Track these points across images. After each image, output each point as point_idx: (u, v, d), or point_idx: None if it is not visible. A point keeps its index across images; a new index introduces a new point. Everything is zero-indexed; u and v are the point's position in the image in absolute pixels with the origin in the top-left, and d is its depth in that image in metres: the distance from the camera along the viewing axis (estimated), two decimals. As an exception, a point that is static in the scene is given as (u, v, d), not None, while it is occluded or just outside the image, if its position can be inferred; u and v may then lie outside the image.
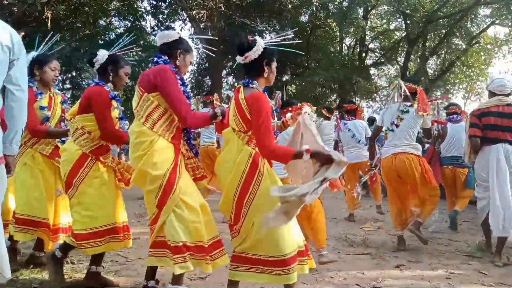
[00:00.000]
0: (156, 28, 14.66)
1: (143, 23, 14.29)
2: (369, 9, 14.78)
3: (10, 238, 2.96)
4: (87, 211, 2.52)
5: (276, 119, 3.34)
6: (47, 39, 3.03)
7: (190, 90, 2.39)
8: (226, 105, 2.97)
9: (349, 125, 5.70)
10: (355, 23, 13.70)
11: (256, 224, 2.17)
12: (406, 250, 3.93)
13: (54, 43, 3.03)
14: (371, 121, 8.17)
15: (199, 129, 5.69)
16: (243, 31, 12.68)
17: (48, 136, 2.88)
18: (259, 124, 2.11)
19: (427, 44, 14.87)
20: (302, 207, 2.12)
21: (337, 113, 6.44)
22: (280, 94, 3.99)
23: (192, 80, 16.47)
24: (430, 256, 3.74)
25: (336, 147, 6.32)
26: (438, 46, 14.66)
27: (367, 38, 16.69)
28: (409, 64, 15.52)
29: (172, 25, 14.48)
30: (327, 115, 6.29)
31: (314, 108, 3.63)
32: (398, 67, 16.94)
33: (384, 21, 16.16)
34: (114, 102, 2.64)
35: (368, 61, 17.61)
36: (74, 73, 12.93)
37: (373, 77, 18.37)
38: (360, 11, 14.39)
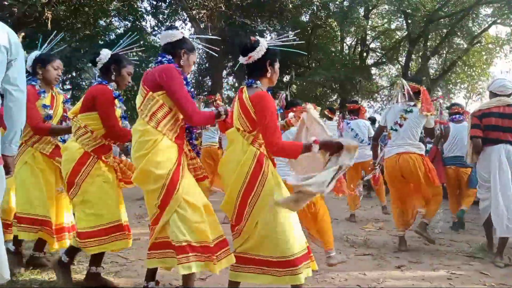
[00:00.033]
0: (156, 28, 14.68)
1: (143, 23, 14.31)
2: (370, 8, 14.77)
3: (15, 242, 2.95)
4: (92, 209, 2.51)
5: (279, 119, 3.34)
6: (50, 38, 3.03)
7: (193, 90, 2.38)
8: (227, 106, 2.98)
9: (352, 124, 5.69)
10: (356, 23, 13.67)
11: (259, 224, 2.16)
12: (407, 251, 3.91)
13: (54, 43, 3.02)
14: (372, 121, 8.16)
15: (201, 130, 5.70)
16: (244, 31, 12.69)
17: (51, 133, 2.88)
18: (266, 123, 2.12)
19: (428, 43, 14.85)
20: (309, 201, 2.16)
21: (338, 113, 6.45)
22: (284, 95, 3.98)
23: (193, 80, 16.47)
24: (431, 257, 3.73)
25: None
26: (440, 45, 14.64)
27: (368, 37, 16.68)
28: (410, 64, 15.49)
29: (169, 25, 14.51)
30: (330, 115, 6.28)
31: (319, 108, 3.63)
32: (399, 66, 16.92)
33: (385, 20, 16.13)
34: (116, 101, 2.65)
35: (369, 61, 17.60)
36: (74, 74, 12.95)
37: (374, 77, 18.35)
38: (361, 11, 14.37)
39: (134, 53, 2.75)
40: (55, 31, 3.20)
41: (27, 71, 2.97)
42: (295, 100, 3.81)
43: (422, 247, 4.11)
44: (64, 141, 2.98)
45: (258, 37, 2.33)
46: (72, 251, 2.59)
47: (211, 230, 2.19)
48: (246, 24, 12.61)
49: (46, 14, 8.08)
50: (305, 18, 15.27)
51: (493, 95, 3.74)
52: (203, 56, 15.78)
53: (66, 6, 9.79)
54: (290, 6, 13.33)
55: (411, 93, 3.91)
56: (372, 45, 17.54)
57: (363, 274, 3.18)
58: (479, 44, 14.80)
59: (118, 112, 2.68)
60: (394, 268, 3.39)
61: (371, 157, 5.03)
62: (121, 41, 2.73)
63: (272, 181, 2.19)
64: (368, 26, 15.57)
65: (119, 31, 14.43)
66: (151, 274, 2.46)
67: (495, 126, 3.60)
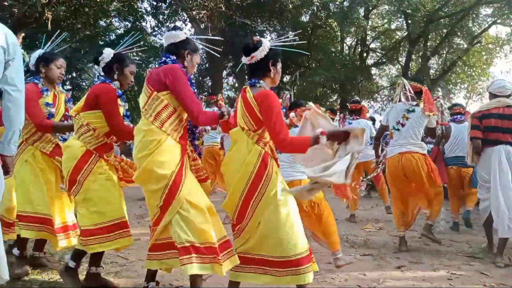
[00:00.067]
0: (156, 29, 14.69)
1: (144, 23, 14.31)
2: (370, 8, 14.77)
3: (20, 246, 2.93)
4: (94, 207, 2.50)
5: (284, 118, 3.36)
6: (53, 37, 3.04)
7: (196, 90, 2.38)
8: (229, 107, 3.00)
9: (354, 124, 5.69)
10: (356, 23, 13.68)
11: (262, 223, 2.16)
12: (407, 251, 3.91)
13: (58, 42, 3.03)
14: (372, 120, 8.16)
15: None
16: (244, 32, 12.70)
17: (55, 131, 2.89)
18: (273, 121, 2.13)
19: (428, 43, 14.85)
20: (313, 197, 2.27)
21: (339, 113, 6.46)
22: (289, 95, 3.99)
23: (193, 81, 16.46)
24: (432, 257, 3.73)
25: None
26: (440, 45, 14.65)
27: (368, 38, 16.68)
28: (410, 64, 15.49)
29: (172, 25, 14.51)
30: (331, 116, 6.27)
31: (323, 109, 3.65)
32: (400, 67, 16.93)
33: (385, 20, 16.14)
34: (119, 100, 2.65)
35: (369, 61, 17.61)
36: (74, 74, 12.96)
37: (374, 77, 18.35)
38: (361, 11, 14.38)
39: (135, 53, 2.75)
40: (58, 30, 3.21)
41: (30, 70, 2.99)
42: (298, 101, 3.82)
43: (422, 248, 4.11)
44: (65, 140, 2.98)
45: (260, 38, 2.34)
46: (77, 255, 2.57)
47: (214, 231, 2.17)
48: (246, 25, 12.61)
49: (46, 14, 8.08)
50: (305, 18, 15.27)
51: (492, 96, 3.75)
52: (203, 57, 15.77)
53: (66, 7, 9.80)
54: (290, 6, 13.33)
55: (412, 93, 3.92)
56: (372, 45, 17.55)
57: (363, 274, 3.17)
58: (479, 44, 14.81)
59: (121, 110, 2.69)
60: (394, 268, 3.39)
61: (373, 157, 5.04)
62: (124, 41, 2.73)
63: (277, 181, 2.20)
64: (368, 26, 15.57)
65: (119, 32, 14.44)
66: (151, 275, 2.46)
67: (494, 127, 3.60)
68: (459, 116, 5.20)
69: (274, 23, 14.31)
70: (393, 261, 3.60)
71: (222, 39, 2.67)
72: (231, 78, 18.18)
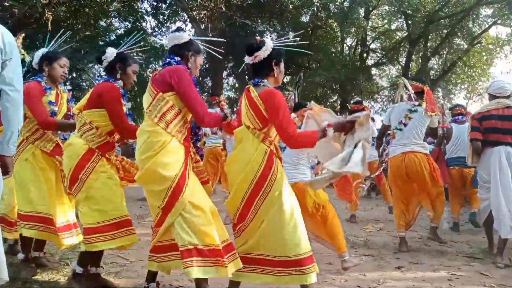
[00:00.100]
0: (156, 29, 14.68)
1: (144, 24, 14.31)
2: (370, 9, 14.76)
3: (24, 249, 2.92)
4: (96, 205, 2.49)
5: None
6: (57, 35, 3.04)
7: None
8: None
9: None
10: (356, 24, 13.67)
11: (265, 223, 2.17)
12: (407, 252, 3.91)
13: (48, 45, 3.03)
14: (372, 121, 8.16)
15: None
16: (244, 32, 12.69)
17: (58, 128, 2.89)
18: (280, 118, 2.14)
19: (428, 44, 14.85)
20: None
21: (339, 114, 6.46)
22: (294, 96, 3.99)
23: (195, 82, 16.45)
24: (432, 258, 3.73)
25: None
26: (440, 46, 14.64)
27: (368, 38, 16.68)
28: (410, 65, 15.48)
29: (173, 26, 14.51)
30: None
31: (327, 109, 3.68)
32: (400, 67, 16.92)
33: (386, 21, 16.14)
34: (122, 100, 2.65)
35: (370, 62, 17.59)
36: (74, 74, 12.96)
37: (374, 77, 18.35)
38: (361, 11, 14.37)
39: (135, 54, 2.75)
40: (56, 32, 3.21)
41: (30, 70, 2.99)
42: (303, 102, 3.85)
43: (422, 248, 4.11)
44: (65, 139, 2.98)
45: (263, 38, 2.36)
46: (83, 260, 2.56)
47: (217, 233, 2.16)
48: (246, 25, 12.60)
49: (46, 15, 8.08)
50: (305, 18, 15.26)
51: (492, 97, 3.77)
52: (203, 57, 15.75)
53: (67, 7, 9.80)
54: (291, 7, 13.31)
55: (413, 92, 3.93)
56: (373, 46, 17.54)
57: (363, 275, 3.17)
58: (479, 45, 14.80)
59: (123, 110, 2.68)
60: (394, 269, 3.39)
61: (376, 158, 5.06)
62: (127, 40, 2.74)
63: (281, 181, 2.20)
64: (369, 27, 15.57)
65: (119, 32, 14.44)
66: (152, 275, 2.47)
67: (494, 128, 3.62)
68: (460, 116, 5.22)
69: (274, 23, 14.29)
70: (393, 261, 3.60)
71: (225, 40, 2.66)
72: (231, 79, 18.18)
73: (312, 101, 2.91)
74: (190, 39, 2.40)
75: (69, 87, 13.38)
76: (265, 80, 2.29)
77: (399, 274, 3.27)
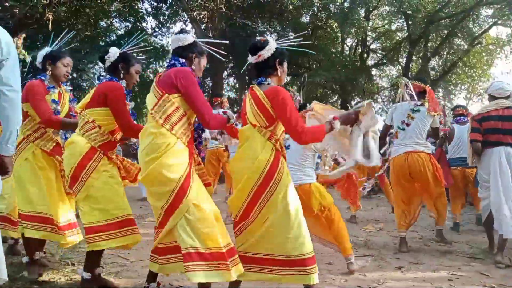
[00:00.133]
0: (157, 30, 14.68)
1: (144, 24, 14.31)
2: (371, 9, 14.76)
3: (27, 251, 2.91)
4: (97, 204, 2.49)
5: None
6: (62, 35, 3.04)
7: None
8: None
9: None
10: (357, 24, 13.66)
11: (269, 221, 2.17)
12: (407, 252, 3.91)
13: (52, 44, 3.03)
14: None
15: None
16: (244, 32, 12.70)
17: (62, 127, 2.89)
18: (288, 114, 2.15)
19: (429, 44, 14.85)
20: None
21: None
22: (299, 97, 3.99)
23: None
24: (432, 258, 3.73)
25: None
26: (440, 46, 14.64)
27: (368, 38, 16.67)
28: (411, 65, 15.48)
29: (173, 26, 14.52)
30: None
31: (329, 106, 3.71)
32: (400, 67, 16.91)
33: (386, 21, 16.13)
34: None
35: (370, 62, 17.58)
36: (74, 75, 12.95)
37: (374, 78, 18.35)
38: (362, 12, 14.36)
39: (135, 54, 2.74)
40: (56, 32, 3.21)
41: (33, 68, 2.99)
42: (307, 104, 3.85)
43: (422, 248, 4.11)
44: (66, 138, 2.98)
45: (266, 37, 2.38)
46: (89, 264, 2.54)
47: (221, 236, 2.14)
48: (246, 25, 12.60)
49: (47, 15, 8.08)
50: (305, 19, 15.25)
51: (491, 98, 3.79)
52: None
53: (67, 7, 9.80)
54: (291, 7, 13.31)
55: (413, 92, 3.95)
56: (373, 46, 17.53)
57: (363, 275, 3.17)
58: (479, 45, 14.80)
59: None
60: (394, 269, 3.39)
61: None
62: (129, 40, 2.74)
63: (287, 180, 2.21)
64: (369, 27, 15.56)
65: (120, 32, 14.44)
66: (152, 275, 2.46)
67: (494, 129, 3.64)
68: (462, 117, 5.24)
69: (274, 24, 14.30)
70: (393, 261, 3.60)
71: (227, 42, 2.65)
72: (231, 79, 18.18)
73: (314, 101, 2.93)
74: (194, 40, 2.40)
75: (69, 87, 13.34)
76: (268, 79, 2.30)
77: (399, 274, 3.27)
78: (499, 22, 13.54)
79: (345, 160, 3.33)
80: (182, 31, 2.43)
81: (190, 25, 13.20)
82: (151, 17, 14.29)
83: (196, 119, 2.36)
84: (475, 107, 17.66)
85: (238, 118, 4.40)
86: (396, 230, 4.20)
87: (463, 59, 14.84)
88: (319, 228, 3.26)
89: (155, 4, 14.03)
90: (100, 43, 12.84)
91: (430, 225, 5.28)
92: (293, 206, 2.18)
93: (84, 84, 12.72)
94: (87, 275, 2.52)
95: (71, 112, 3.07)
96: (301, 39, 2.41)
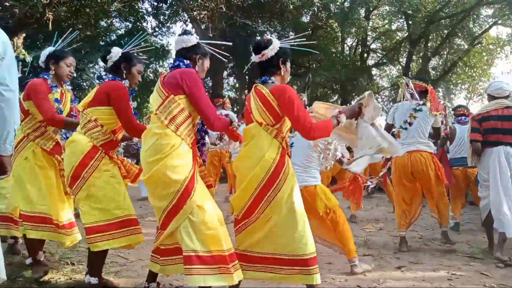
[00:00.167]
0: (157, 29, 14.68)
1: (144, 24, 14.31)
2: (371, 9, 14.75)
3: (30, 253, 2.90)
4: (97, 203, 2.47)
5: None
6: (65, 35, 3.04)
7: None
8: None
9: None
10: (357, 24, 13.66)
11: (273, 220, 2.16)
12: (407, 251, 3.91)
13: (55, 44, 3.03)
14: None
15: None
16: (244, 32, 12.69)
17: (65, 126, 2.89)
18: (296, 112, 2.16)
19: (429, 44, 14.83)
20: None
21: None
22: (305, 98, 4.00)
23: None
24: (432, 257, 3.73)
25: (349, 149, 6.34)
26: (440, 46, 14.62)
27: (368, 38, 16.65)
28: (411, 65, 15.47)
29: (173, 26, 14.51)
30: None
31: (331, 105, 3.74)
32: (400, 67, 16.90)
33: (386, 21, 16.11)
34: None
35: (370, 62, 17.57)
36: (74, 74, 12.96)
37: (375, 77, 18.33)
38: (362, 12, 14.35)
39: (136, 54, 2.75)
40: (70, 29, 3.21)
41: (39, 67, 3.00)
42: (307, 106, 3.86)
43: (422, 248, 4.11)
44: (67, 138, 2.98)
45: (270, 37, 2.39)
46: (95, 269, 2.53)
47: (224, 240, 2.13)
48: (247, 25, 12.59)
49: (47, 15, 8.08)
50: (306, 19, 15.24)
51: (491, 98, 3.82)
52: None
53: (67, 7, 9.80)
54: (291, 7, 13.30)
55: (414, 91, 3.95)
56: (373, 46, 17.51)
57: (363, 274, 3.17)
58: (479, 45, 14.78)
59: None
60: (394, 268, 3.39)
61: (379, 159, 5.09)
62: (131, 40, 2.73)
63: (293, 179, 2.22)
64: (369, 27, 15.54)
65: (120, 32, 14.44)
66: (152, 275, 2.46)
67: (494, 129, 3.66)
68: (463, 117, 5.26)
69: (274, 23, 14.29)
70: (393, 261, 3.60)
71: (231, 43, 2.65)
72: (231, 79, 18.18)
73: (316, 101, 2.94)
74: (198, 42, 2.40)
75: (69, 87, 13.34)
76: (272, 78, 2.31)
77: (399, 274, 3.27)
78: (499, 22, 13.53)
79: (343, 156, 3.32)
80: (185, 32, 2.43)
81: (190, 25, 13.20)
82: (151, 17, 14.31)
83: (199, 120, 2.36)
84: (475, 107, 17.65)
85: (241, 119, 4.39)
86: (396, 230, 4.20)
87: (463, 59, 14.82)
88: (323, 230, 3.24)
89: (155, 4, 14.04)
90: (100, 43, 12.85)
91: (430, 225, 5.29)
92: (298, 206, 2.19)
93: (84, 84, 12.73)
94: (94, 280, 2.49)
95: (72, 112, 3.07)
96: (305, 39, 2.42)
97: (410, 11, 12.85)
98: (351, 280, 3.03)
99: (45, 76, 2.89)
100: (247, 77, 14.97)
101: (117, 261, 3.37)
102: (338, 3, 14.05)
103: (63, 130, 3.11)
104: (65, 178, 2.64)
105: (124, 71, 2.64)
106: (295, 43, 2.40)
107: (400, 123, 4.00)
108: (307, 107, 3.59)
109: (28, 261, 2.89)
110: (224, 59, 2.64)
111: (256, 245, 2.23)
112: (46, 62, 2.92)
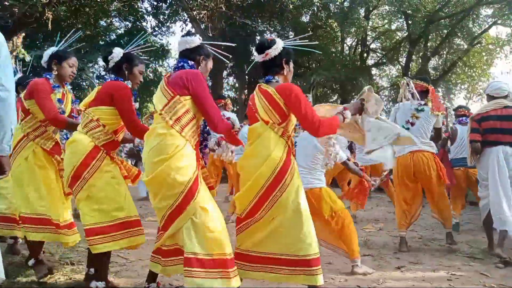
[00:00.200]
0: (157, 29, 14.68)
1: (144, 23, 14.31)
2: (371, 9, 14.74)
3: (32, 254, 2.89)
4: (97, 204, 2.44)
5: None
6: (68, 35, 3.03)
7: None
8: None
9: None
10: (357, 23, 13.65)
11: (279, 220, 2.16)
12: (407, 252, 3.91)
13: (58, 44, 3.02)
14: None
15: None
16: (244, 32, 12.69)
17: (67, 127, 2.86)
18: (304, 110, 2.17)
19: (428, 44, 14.82)
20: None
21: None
22: (310, 99, 4.00)
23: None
24: (431, 258, 3.73)
25: (351, 150, 6.37)
26: (440, 46, 14.62)
27: (368, 38, 16.65)
28: (410, 65, 15.47)
29: (173, 25, 14.50)
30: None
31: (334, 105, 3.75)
32: (400, 67, 16.90)
33: (386, 21, 16.11)
34: None
35: (370, 62, 17.57)
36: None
37: (374, 77, 18.34)
38: (362, 11, 14.35)
39: (136, 53, 2.74)
40: (56, 32, 3.20)
41: (38, 66, 2.98)
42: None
43: (422, 248, 4.11)
44: (67, 138, 2.97)
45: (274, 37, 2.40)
46: (102, 273, 2.51)
47: (226, 244, 2.11)
48: (246, 25, 12.59)
49: (46, 14, 8.06)
50: (305, 18, 15.23)
51: (490, 98, 3.85)
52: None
53: (67, 7, 9.79)
54: (291, 6, 13.30)
55: (415, 91, 3.96)
56: (373, 46, 17.51)
57: (363, 275, 3.17)
58: (479, 45, 14.78)
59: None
60: (394, 268, 3.39)
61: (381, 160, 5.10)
62: (133, 40, 2.73)
63: (299, 178, 2.22)
64: (369, 27, 15.54)
65: (119, 32, 14.44)
66: (152, 276, 2.45)
67: (493, 129, 3.68)
68: (464, 118, 5.27)
69: (274, 23, 14.28)
70: (393, 261, 3.61)
71: (234, 44, 2.65)
72: (231, 78, 18.17)
73: (317, 104, 2.94)
74: (201, 43, 2.40)
75: (69, 86, 13.33)
76: (276, 77, 2.32)
77: (399, 274, 3.27)
78: (499, 21, 13.52)
79: (349, 159, 3.34)
80: (189, 33, 2.43)
81: (190, 25, 13.20)
82: (151, 17, 14.31)
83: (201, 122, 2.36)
84: (475, 107, 17.65)
85: (245, 120, 4.37)
86: (396, 230, 4.21)
87: (463, 59, 14.82)
88: (328, 233, 3.22)
89: (155, 3, 14.04)
90: (100, 42, 12.84)
91: (430, 225, 5.29)
92: (304, 206, 2.19)
93: (84, 84, 12.72)
94: (101, 284, 2.48)
95: (72, 113, 3.06)
96: (307, 40, 2.42)
97: (409, 11, 12.85)
98: (350, 280, 3.03)
99: (48, 76, 2.87)
100: (246, 77, 14.96)
101: (117, 261, 3.37)
102: (337, 3, 14.06)
103: (64, 131, 3.10)
104: (64, 179, 2.63)
105: (126, 72, 2.63)
106: (299, 44, 2.41)
107: (402, 123, 4.00)
108: None
109: (31, 262, 2.87)
110: (226, 60, 2.64)
111: (258, 245, 2.22)
112: (48, 62, 2.90)
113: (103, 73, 14.26)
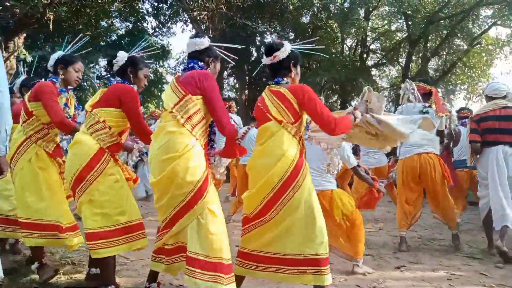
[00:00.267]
0: (157, 30, 14.70)
1: (145, 24, 14.33)
2: (370, 10, 14.76)
3: (35, 257, 2.88)
4: (99, 208, 2.40)
5: None
6: (76, 39, 3.03)
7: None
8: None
9: None
10: (356, 24, 13.66)
11: (291, 220, 2.15)
12: (407, 251, 3.92)
13: (56, 44, 3.03)
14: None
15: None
16: (244, 32, 12.71)
17: (71, 132, 2.80)
18: (319, 110, 2.20)
19: (428, 45, 14.84)
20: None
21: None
22: (324, 100, 4.02)
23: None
24: (431, 257, 3.74)
25: (355, 153, 6.38)
26: (440, 47, 14.63)
27: (368, 39, 16.67)
28: (410, 65, 15.47)
29: (174, 26, 14.52)
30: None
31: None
32: (400, 68, 16.92)
33: (386, 22, 16.13)
34: None
35: (370, 62, 17.59)
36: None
37: (374, 78, 18.34)
38: (361, 12, 14.37)
39: (140, 58, 2.74)
40: (57, 33, 3.21)
41: (39, 67, 2.98)
42: None
43: (422, 248, 4.12)
44: (69, 142, 2.97)
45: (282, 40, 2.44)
46: (110, 276, 2.48)
47: (226, 248, 2.11)
48: (246, 26, 12.60)
49: (48, 15, 8.07)
50: (305, 19, 15.25)
51: (489, 98, 3.89)
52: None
53: (68, 7, 9.80)
54: (291, 7, 13.32)
55: (417, 93, 3.98)
56: (373, 47, 17.53)
57: (363, 274, 3.18)
58: (479, 46, 14.78)
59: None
60: (393, 268, 3.40)
61: (385, 163, 5.21)
62: (138, 44, 2.73)
63: (310, 178, 2.24)
64: (369, 28, 15.55)
65: (120, 32, 14.46)
66: (153, 275, 2.45)
67: (492, 129, 3.71)
68: (466, 120, 5.26)
69: (274, 24, 14.30)
70: (393, 261, 3.62)
71: (240, 47, 2.64)
72: (231, 79, 18.19)
73: None
74: (210, 45, 2.42)
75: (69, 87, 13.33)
76: (285, 79, 2.34)
77: (399, 273, 3.28)
78: (499, 22, 13.53)
79: (359, 166, 3.38)
80: (197, 35, 2.44)
81: (190, 25, 13.22)
82: (151, 17, 14.33)
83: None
84: (475, 107, 17.62)
85: (252, 122, 4.38)
86: (396, 230, 4.22)
87: (462, 60, 14.83)
88: (335, 237, 3.21)
89: (156, 4, 14.06)
90: (101, 43, 12.86)
91: (430, 225, 5.30)
92: (316, 206, 2.20)
93: (85, 84, 12.73)
94: (95, 271, 2.48)
95: (75, 119, 3.05)
96: (313, 44, 2.47)
97: (409, 12, 12.86)
98: (350, 280, 3.04)
99: (54, 80, 2.86)
100: (246, 78, 14.97)
101: (117, 260, 3.35)
102: (337, 4, 14.06)
103: (69, 135, 3.09)
104: (66, 181, 2.61)
105: (131, 75, 2.63)
106: (305, 47, 2.42)
107: None
108: None
109: (34, 266, 2.85)
110: (232, 62, 2.65)
111: (267, 245, 2.21)
112: (54, 66, 2.89)
113: (103, 73, 14.27)
